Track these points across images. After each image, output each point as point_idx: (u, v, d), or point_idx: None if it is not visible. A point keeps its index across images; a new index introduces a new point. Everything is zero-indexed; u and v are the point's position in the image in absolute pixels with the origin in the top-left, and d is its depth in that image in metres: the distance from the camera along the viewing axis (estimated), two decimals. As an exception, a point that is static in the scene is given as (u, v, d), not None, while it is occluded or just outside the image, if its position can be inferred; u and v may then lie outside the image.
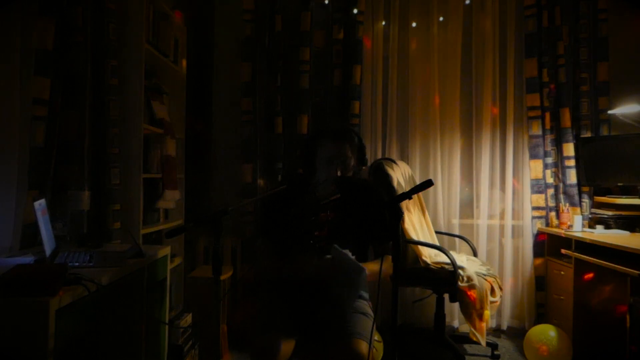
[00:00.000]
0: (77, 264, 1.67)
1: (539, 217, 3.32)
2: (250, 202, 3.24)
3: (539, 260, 3.31)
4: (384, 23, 3.43)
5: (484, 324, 2.70)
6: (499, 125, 3.41)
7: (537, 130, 3.33)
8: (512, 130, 3.39)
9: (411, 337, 3.21)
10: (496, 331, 3.36)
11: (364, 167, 1.99)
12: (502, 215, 3.41)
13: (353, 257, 1.66)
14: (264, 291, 1.97)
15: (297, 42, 3.34)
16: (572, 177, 3.28)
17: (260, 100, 3.34)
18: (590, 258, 2.68)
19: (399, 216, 1.39)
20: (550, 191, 3.32)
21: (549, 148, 3.33)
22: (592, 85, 3.33)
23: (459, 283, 2.65)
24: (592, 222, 3.19)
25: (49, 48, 2.04)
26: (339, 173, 1.86)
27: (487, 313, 2.70)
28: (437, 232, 3.22)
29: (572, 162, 3.28)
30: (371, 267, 1.76)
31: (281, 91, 3.33)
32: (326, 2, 3.38)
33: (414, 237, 2.82)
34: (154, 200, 2.77)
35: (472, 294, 2.66)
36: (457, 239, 3.32)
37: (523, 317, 3.36)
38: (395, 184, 2.81)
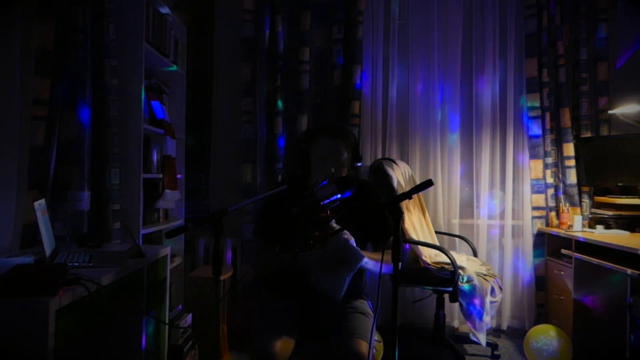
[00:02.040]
0: (77, 264, 1.67)
1: (539, 217, 3.32)
2: (251, 202, 3.23)
3: (539, 261, 3.31)
4: (384, 23, 3.43)
5: (483, 324, 2.70)
6: (499, 125, 3.41)
7: (537, 130, 3.33)
8: (512, 130, 3.39)
9: (411, 337, 3.22)
10: (496, 331, 3.36)
11: (359, 165, 1.98)
12: (502, 215, 3.41)
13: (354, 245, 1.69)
14: (264, 291, 1.97)
15: (297, 42, 3.34)
16: (572, 177, 3.28)
17: (260, 100, 3.34)
18: (590, 258, 2.68)
19: (398, 216, 1.39)
20: (550, 191, 3.32)
21: (549, 148, 3.33)
22: (592, 85, 3.33)
23: (459, 283, 2.65)
24: (592, 222, 3.19)
25: (49, 48, 2.04)
26: (332, 170, 1.86)
27: (486, 313, 2.70)
28: (437, 232, 3.22)
29: (572, 162, 3.28)
30: (373, 257, 1.78)
31: (281, 91, 3.32)
32: (326, 2, 3.38)
33: (414, 237, 2.82)
34: (154, 200, 2.77)
35: (472, 294, 2.66)
36: (457, 239, 3.31)
37: (523, 317, 3.36)
38: (395, 184, 2.81)
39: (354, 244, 1.70)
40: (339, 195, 1.74)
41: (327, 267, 1.71)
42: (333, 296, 1.72)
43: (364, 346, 1.63)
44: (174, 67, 3.01)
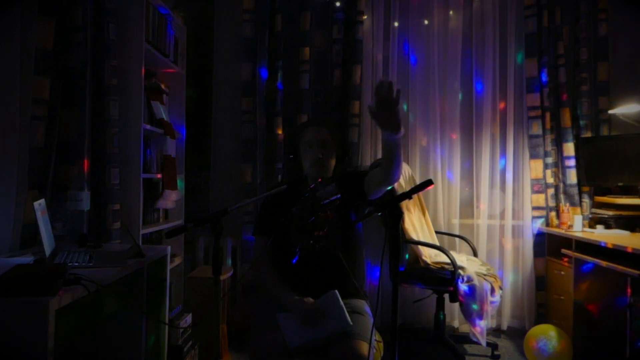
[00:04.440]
0: (77, 264, 1.67)
1: (539, 217, 3.32)
2: (250, 202, 3.24)
3: (539, 260, 3.31)
4: (384, 23, 3.43)
5: (484, 324, 2.70)
6: (499, 125, 3.41)
7: (537, 130, 3.33)
8: (512, 130, 3.39)
9: (411, 337, 3.22)
10: (496, 331, 3.36)
11: (346, 158, 2.06)
12: (502, 215, 3.41)
13: (346, 314, 1.68)
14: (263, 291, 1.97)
15: (297, 42, 3.34)
16: (572, 177, 3.28)
17: (260, 100, 3.34)
18: (590, 258, 2.68)
19: (399, 216, 1.39)
20: (551, 191, 3.32)
21: (549, 148, 3.33)
22: (592, 85, 3.34)
23: (459, 283, 2.65)
24: (593, 222, 3.19)
25: (49, 48, 2.04)
26: (320, 155, 1.91)
27: (487, 313, 2.70)
28: (437, 232, 3.22)
29: (572, 162, 3.28)
30: None
31: (281, 91, 3.33)
32: (326, 2, 3.38)
33: (414, 237, 2.82)
34: (154, 200, 2.77)
35: (472, 294, 2.66)
36: (457, 239, 3.31)
37: (523, 317, 3.36)
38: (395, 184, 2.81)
39: (347, 314, 1.69)
40: (339, 196, 1.74)
41: (310, 317, 1.70)
42: (288, 340, 1.68)
43: (364, 347, 1.62)
44: (174, 67, 3.01)
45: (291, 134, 2.09)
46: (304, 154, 1.96)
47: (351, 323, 1.67)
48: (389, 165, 1.71)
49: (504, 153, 3.41)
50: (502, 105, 3.41)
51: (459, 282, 2.65)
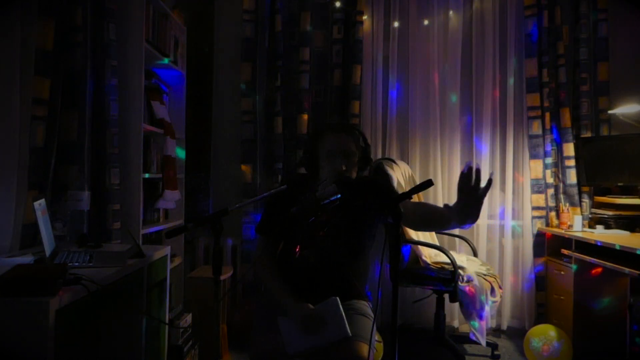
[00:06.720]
0: (77, 264, 1.67)
1: (539, 217, 3.32)
2: (250, 202, 3.23)
3: (539, 260, 3.31)
4: (384, 23, 3.43)
5: (484, 324, 2.70)
6: (499, 125, 3.41)
7: (537, 130, 3.33)
8: (512, 130, 3.39)
9: (411, 337, 3.22)
10: (496, 331, 3.36)
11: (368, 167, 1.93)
12: (502, 215, 3.41)
13: (345, 323, 1.66)
14: (264, 290, 1.97)
15: (297, 42, 3.34)
16: (572, 177, 3.29)
17: (260, 100, 3.34)
18: (590, 258, 2.68)
19: (399, 216, 1.39)
20: (550, 191, 3.32)
21: (549, 148, 3.33)
22: (592, 85, 3.34)
23: (459, 283, 2.65)
24: (592, 222, 3.19)
25: (49, 48, 2.04)
26: (343, 167, 1.79)
27: (487, 313, 2.70)
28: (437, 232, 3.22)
29: (572, 162, 3.28)
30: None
31: (281, 91, 3.33)
32: (326, 2, 3.38)
33: (414, 237, 2.82)
34: (154, 200, 2.77)
35: (472, 294, 2.66)
36: (457, 239, 3.32)
37: (523, 317, 3.36)
38: (395, 184, 2.81)
39: (346, 324, 1.66)
40: (339, 196, 1.74)
41: (308, 324, 1.67)
42: (287, 346, 1.66)
43: (364, 349, 1.62)
44: (174, 67, 3.01)
45: (308, 140, 1.94)
46: (323, 164, 1.82)
47: (350, 334, 1.65)
48: (430, 228, 1.63)
49: (504, 153, 3.41)
50: (502, 105, 3.41)
51: (459, 282, 2.65)
